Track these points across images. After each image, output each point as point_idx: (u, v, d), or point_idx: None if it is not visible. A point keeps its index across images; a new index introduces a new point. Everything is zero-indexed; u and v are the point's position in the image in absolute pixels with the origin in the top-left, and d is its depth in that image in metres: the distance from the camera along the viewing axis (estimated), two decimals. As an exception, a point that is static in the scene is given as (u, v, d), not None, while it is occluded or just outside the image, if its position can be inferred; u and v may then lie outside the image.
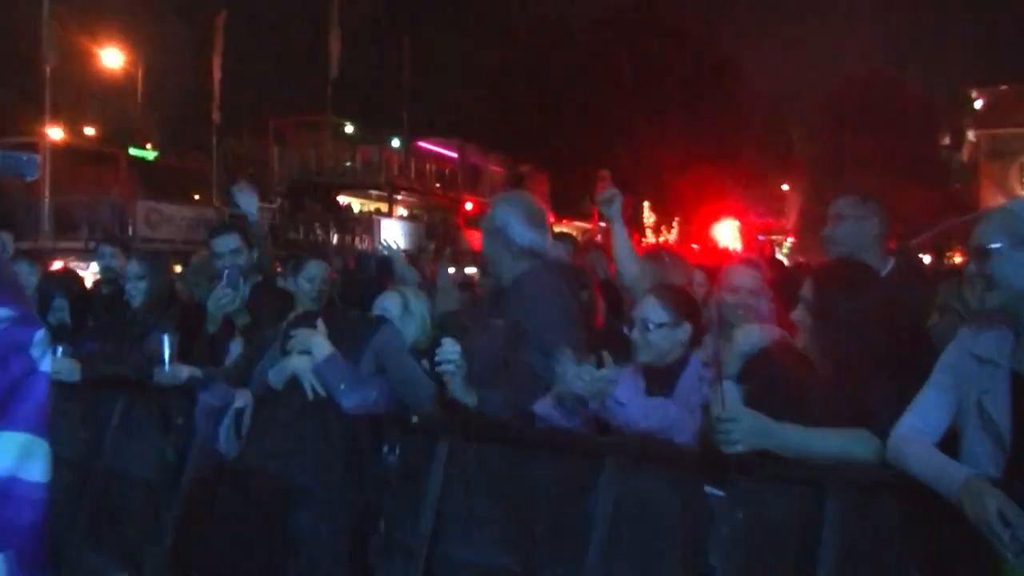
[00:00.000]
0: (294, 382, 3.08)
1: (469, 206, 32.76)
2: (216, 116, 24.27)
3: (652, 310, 2.76)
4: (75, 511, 3.83)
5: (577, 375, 2.54)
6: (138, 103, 30.13)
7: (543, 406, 2.74)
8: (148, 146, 26.71)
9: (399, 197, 32.22)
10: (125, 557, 3.76)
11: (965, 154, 35.47)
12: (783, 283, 3.44)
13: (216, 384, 3.56)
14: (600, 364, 2.56)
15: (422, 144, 34.22)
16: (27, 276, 5.07)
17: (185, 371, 3.63)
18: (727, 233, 33.76)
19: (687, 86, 31.54)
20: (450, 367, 2.80)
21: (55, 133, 21.05)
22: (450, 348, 2.79)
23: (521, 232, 3.12)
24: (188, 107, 28.47)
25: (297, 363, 3.08)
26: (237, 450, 3.37)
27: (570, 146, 30.92)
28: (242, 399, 3.38)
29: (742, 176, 32.59)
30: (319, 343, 3.07)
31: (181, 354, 3.68)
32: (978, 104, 33.64)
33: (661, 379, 2.76)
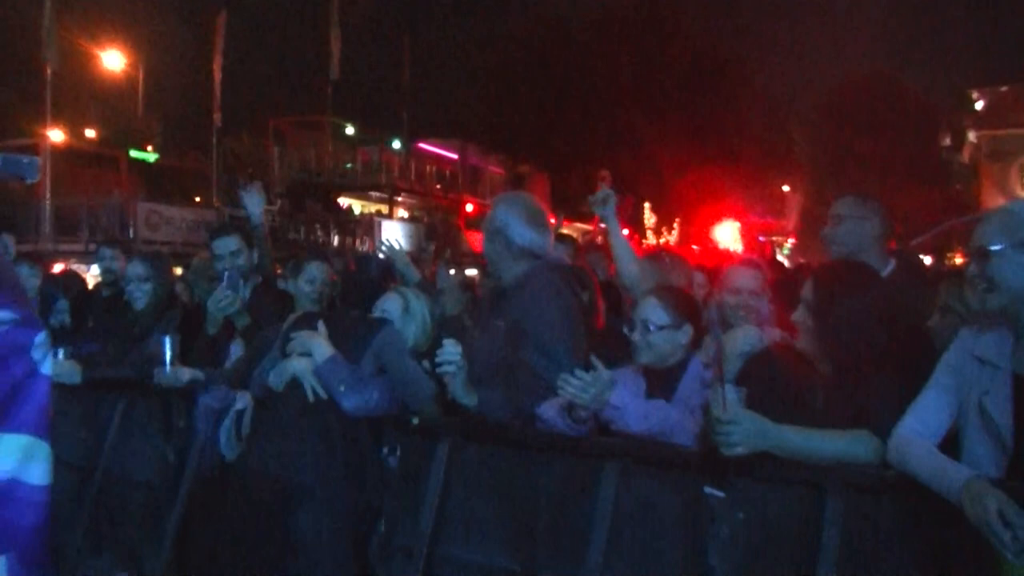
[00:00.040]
0: (294, 383, 3.08)
1: (470, 207, 32.75)
2: (217, 117, 24.28)
3: (653, 311, 2.75)
4: (75, 512, 3.83)
5: (581, 389, 2.53)
6: (139, 105, 30.16)
7: (547, 410, 2.74)
8: (149, 148, 26.73)
9: (400, 199, 32.23)
10: (125, 558, 3.76)
11: (965, 155, 35.44)
12: (784, 284, 3.44)
13: (216, 386, 3.56)
14: (589, 368, 2.56)
15: (422, 145, 34.23)
16: (28, 278, 5.09)
17: (186, 373, 3.63)
18: (728, 234, 33.75)
19: (688, 86, 31.49)
20: (451, 368, 2.79)
21: (56, 135, 21.09)
22: (451, 349, 2.79)
23: (521, 232, 3.12)
24: (188, 108, 28.53)
25: (297, 365, 3.08)
26: (237, 451, 3.38)
27: (570, 146, 30.88)
28: (242, 401, 3.39)
29: (743, 177, 32.53)
30: (320, 344, 3.07)
31: (181, 356, 3.68)
32: (979, 105, 33.61)
33: (662, 382, 2.76)
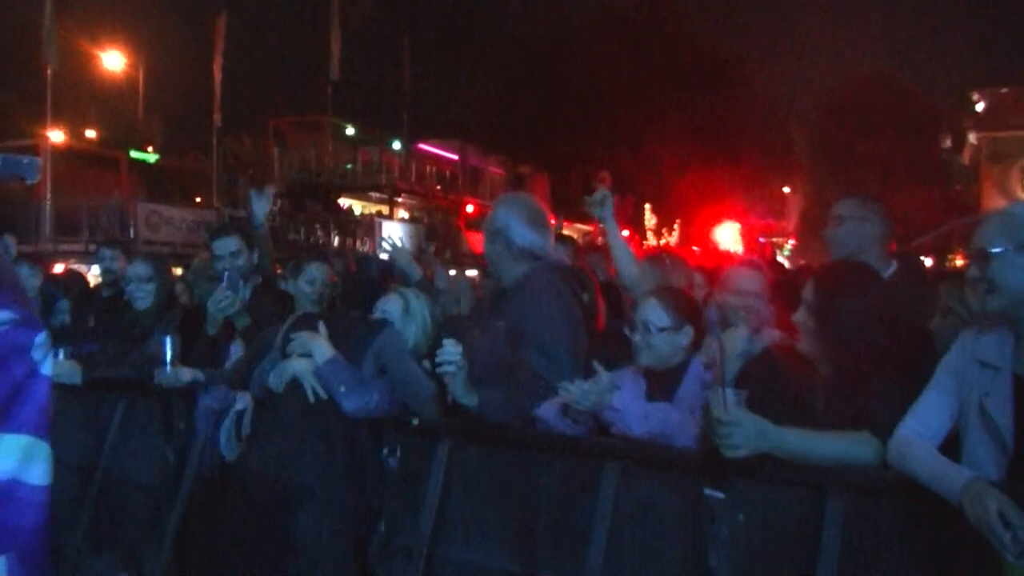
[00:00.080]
0: (295, 384, 3.08)
1: (470, 208, 32.75)
2: (217, 117, 24.30)
3: (654, 313, 2.75)
4: (76, 513, 3.83)
5: (582, 396, 2.54)
6: (139, 105, 30.19)
7: (546, 410, 2.74)
8: (149, 148, 26.75)
9: (400, 199, 32.23)
10: (125, 558, 3.76)
11: (966, 156, 35.41)
12: (784, 285, 3.44)
13: (216, 387, 3.56)
14: (589, 371, 2.57)
15: (423, 146, 34.23)
16: (29, 279, 5.09)
17: (186, 373, 3.63)
18: (728, 235, 33.73)
19: (688, 87, 31.45)
20: (451, 368, 2.79)
21: (56, 136, 21.12)
22: (451, 349, 2.79)
23: (521, 233, 3.12)
24: (189, 109, 28.57)
25: (298, 365, 3.08)
26: (238, 452, 3.38)
27: (570, 147, 30.85)
28: (242, 401, 3.39)
29: (743, 177, 32.51)
30: (320, 345, 3.07)
31: (181, 356, 3.68)
32: (979, 106, 33.58)
33: (662, 383, 2.75)
